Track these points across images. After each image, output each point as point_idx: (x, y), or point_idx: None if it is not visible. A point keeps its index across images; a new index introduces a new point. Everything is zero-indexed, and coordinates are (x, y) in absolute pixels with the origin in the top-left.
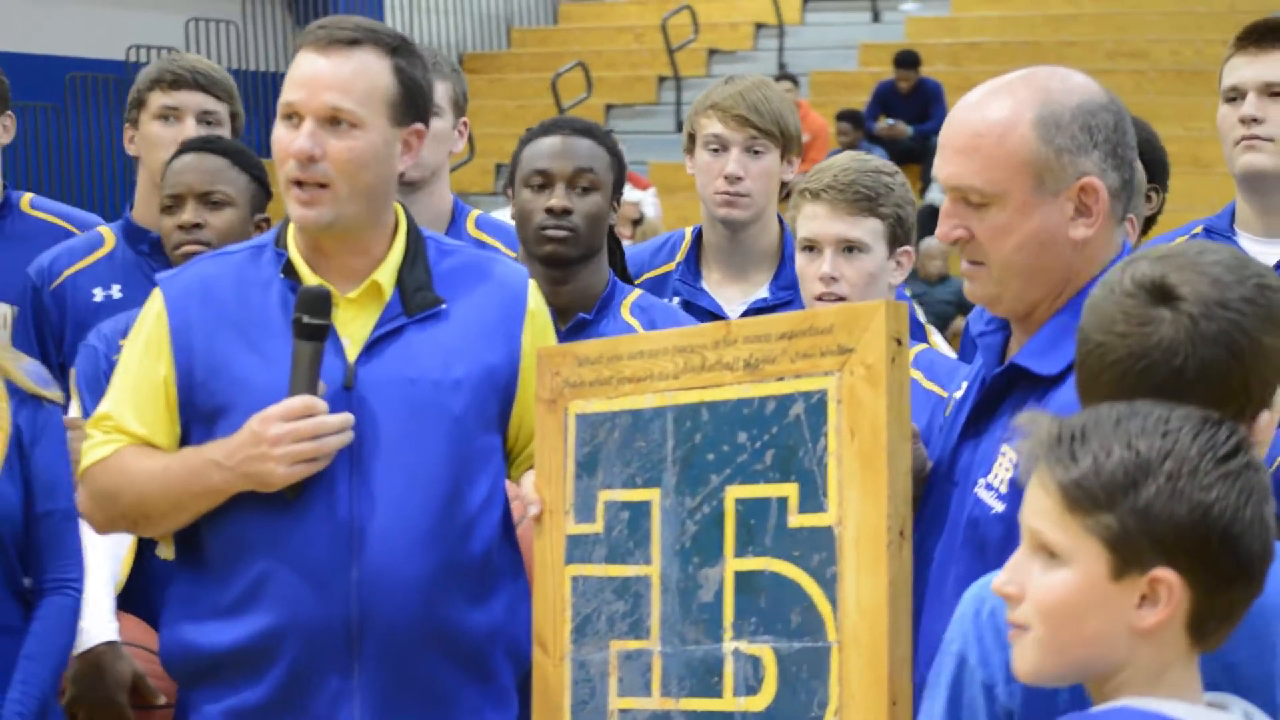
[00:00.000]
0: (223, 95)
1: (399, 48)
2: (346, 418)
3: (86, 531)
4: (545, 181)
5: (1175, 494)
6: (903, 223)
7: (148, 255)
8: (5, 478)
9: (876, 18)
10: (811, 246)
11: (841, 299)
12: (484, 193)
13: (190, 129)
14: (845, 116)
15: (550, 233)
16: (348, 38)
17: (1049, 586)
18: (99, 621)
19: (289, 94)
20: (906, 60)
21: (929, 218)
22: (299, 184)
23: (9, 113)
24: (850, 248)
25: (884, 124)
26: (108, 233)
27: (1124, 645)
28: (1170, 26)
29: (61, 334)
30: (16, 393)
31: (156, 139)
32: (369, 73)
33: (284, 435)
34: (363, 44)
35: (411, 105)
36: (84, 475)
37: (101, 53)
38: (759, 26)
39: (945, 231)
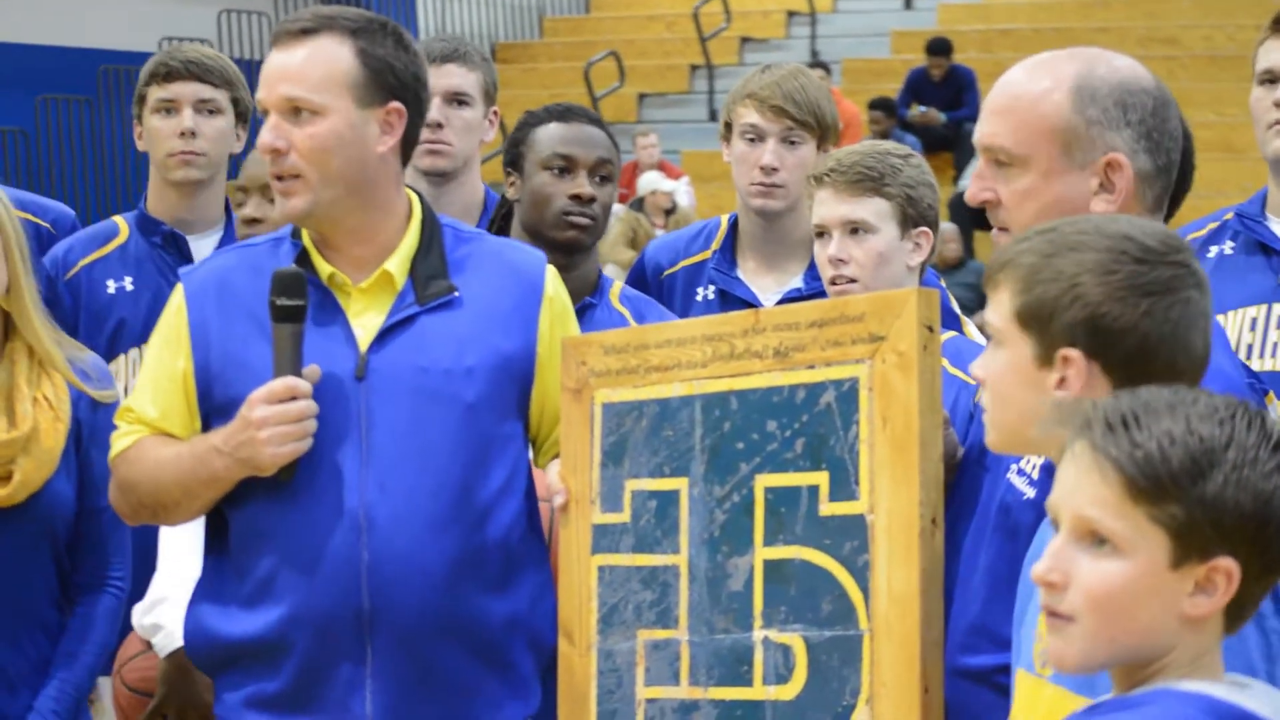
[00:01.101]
0: (218, 82)
1: (361, 29)
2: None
3: (184, 532)
4: (568, 167)
5: (1241, 483)
6: (915, 203)
7: (160, 247)
8: (62, 473)
9: (908, 5)
10: (822, 232)
11: (853, 281)
12: None
13: (188, 119)
14: (878, 104)
15: (575, 219)
16: (300, 28)
17: (1103, 575)
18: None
19: (257, 93)
20: (939, 47)
21: (961, 206)
22: (278, 178)
23: None
24: (856, 229)
25: (916, 111)
26: (122, 223)
27: (1172, 633)
28: (1201, 12)
29: (75, 324)
30: (82, 376)
31: (156, 132)
32: (325, 58)
33: (269, 418)
34: (317, 31)
35: (381, 84)
36: (111, 466)
37: (134, 45)
38: (791, 14)
39: (974, 193)
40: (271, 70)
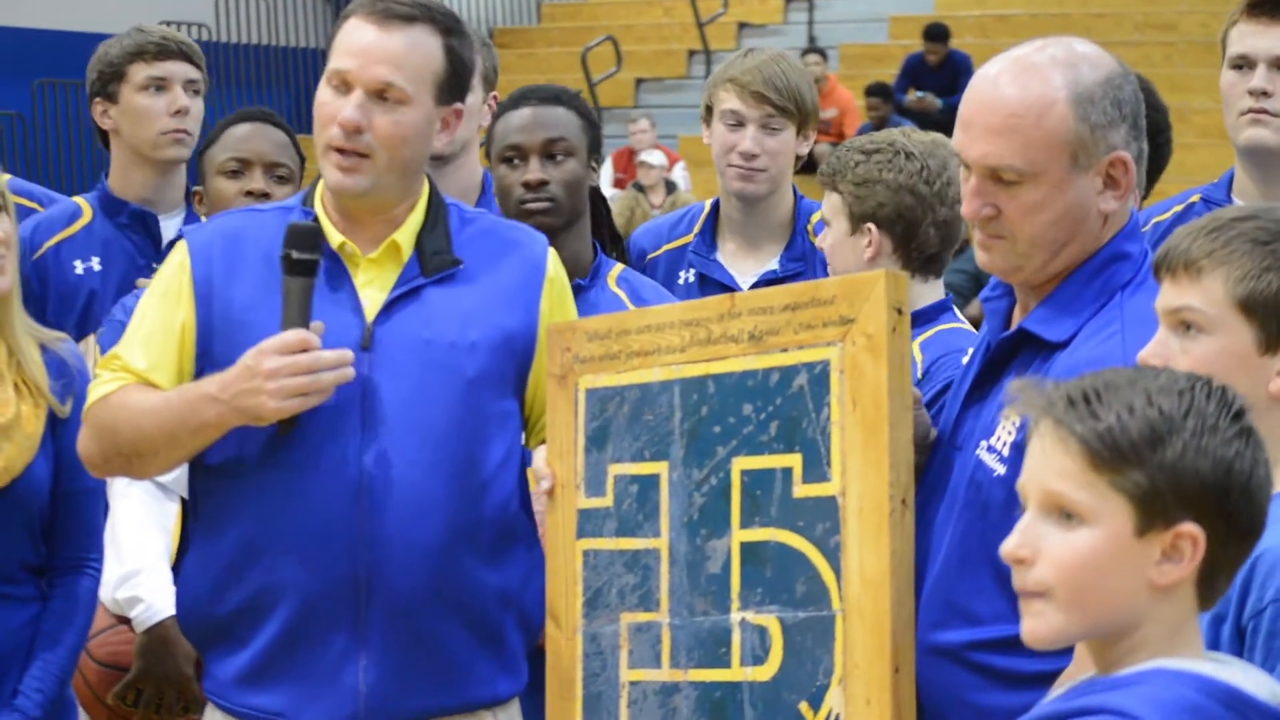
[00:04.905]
0: (201, 64)
1: (452, 27)
2: (344, 354)
3: (135, 506)
4: (518, 155)
5: (1201, 449)
6: (860, 200)
7: (127, 227)
8: (40, 456)
9: None
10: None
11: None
12: None
13: (182, 98)
14: (875, 90)
15: (529, 206)
16: (405, 13)
17: (1071, 546)
18: (164, 595)
19: (341, 61)
20: (936, 33)
21: None
22: (340, 150)
23: None
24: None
25: (913, 97)
26: (84, 204)
27: (1143, 603)
28: None
29: (43, 305)
30: (54, 368)
31: (146, 110)
32: (423, 50)
33: (279, 369)
34: (419, 21)
35: (457, 85)
36: (87, 412)
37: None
38: (788, 0)
39: (975, 210)
40: (367, 47)
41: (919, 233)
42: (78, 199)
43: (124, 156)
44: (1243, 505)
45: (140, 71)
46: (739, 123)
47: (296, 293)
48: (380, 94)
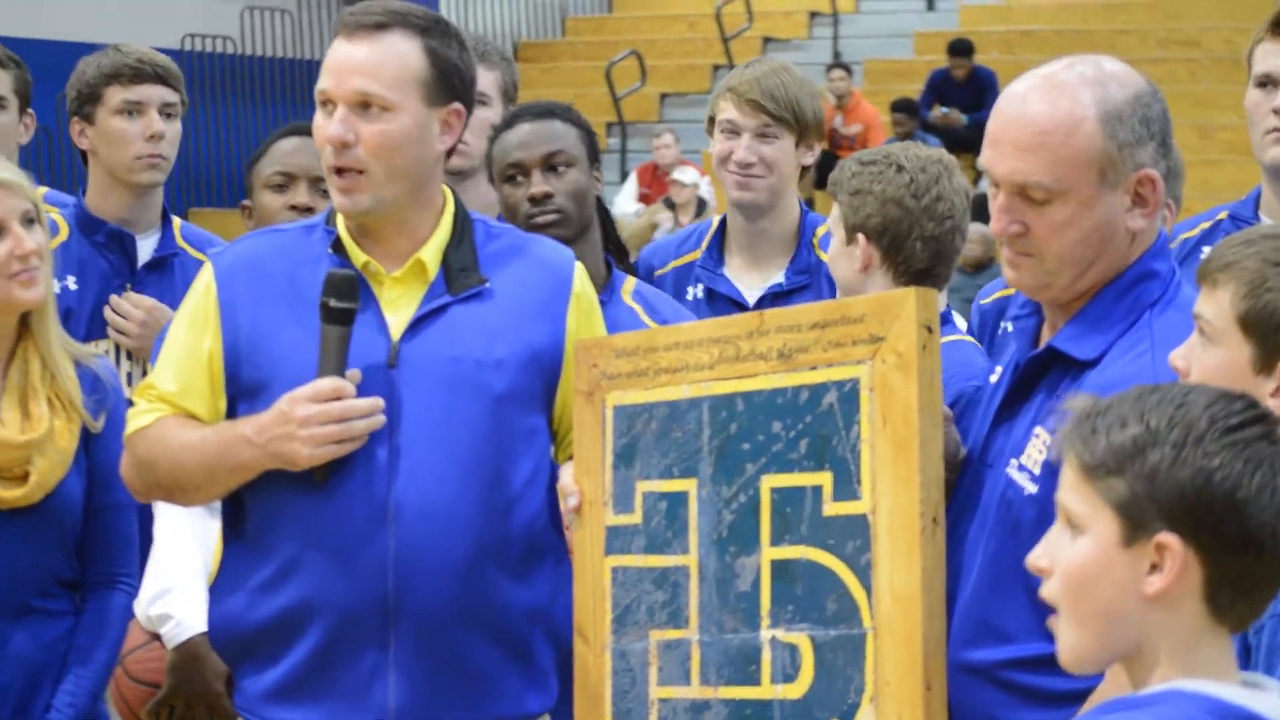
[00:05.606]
0: (178, 86)
1: (430, 28)
2: (376, 402)
3: (176, 523)
4: (520, 171)
5: (1179, 460)
6: (853, 211)
7: (103, 246)
8: (74, 471)
9: (931, 6)
10: None
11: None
12: None
13: (157, 123)
14: (900, 106)
15: (538, 220)
16: (374, 22)
17: (1071, 555)
18: (194, 612)
19: (321, 82)
20: (961, 48)
21: (980, 207)
22: (338, 171)
23: (30, 112)
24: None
25: (938, 113)
26: (60, 221)
27: (1138, 616)
28: (1223, 15)
29: None
30: (87, 383)
31: (121, 134)
32: (398, 55)
33: (312, 416)
34: (390, 27)
35: (447, 85)
36: (127, 442)
37: (157, 41)
38: (813, 15)
39: (1003, 227)
40: (341, 62)
41: (905, 246)
42: (54, 215)
43: (101, 177)
44: (1229, 517)
45: (116, 95)
46: (735, 131)
47: (333, 340)
48: (363, 105)
